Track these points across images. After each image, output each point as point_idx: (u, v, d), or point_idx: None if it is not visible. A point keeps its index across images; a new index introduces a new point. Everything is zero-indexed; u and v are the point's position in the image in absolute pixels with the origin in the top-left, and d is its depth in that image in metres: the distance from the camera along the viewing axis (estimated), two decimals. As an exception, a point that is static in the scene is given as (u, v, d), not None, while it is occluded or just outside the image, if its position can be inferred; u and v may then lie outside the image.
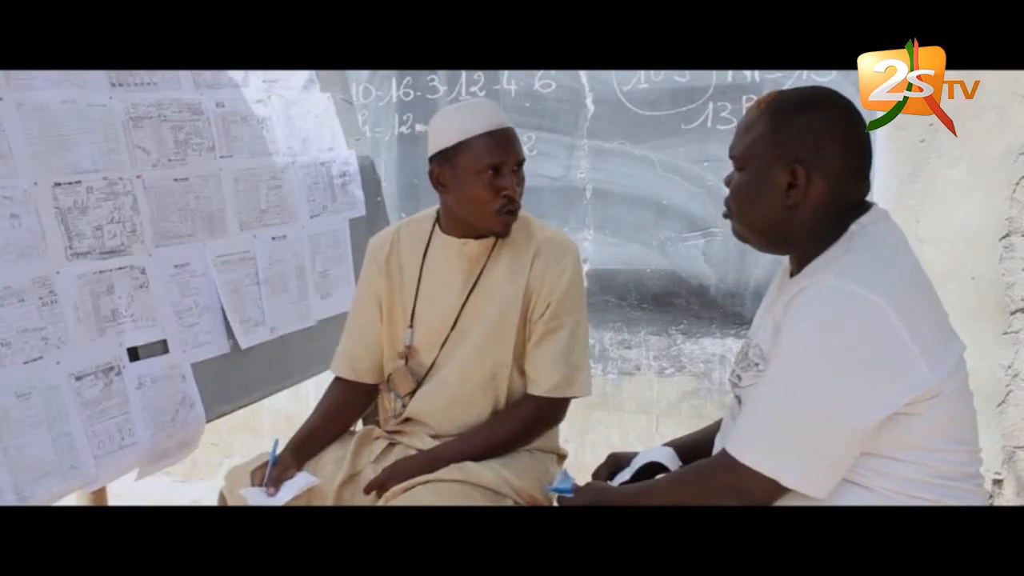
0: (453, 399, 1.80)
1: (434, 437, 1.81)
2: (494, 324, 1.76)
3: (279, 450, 1.75)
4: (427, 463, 1.71)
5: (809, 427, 1.19)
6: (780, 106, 1.28)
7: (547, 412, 1.79)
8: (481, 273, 1.78)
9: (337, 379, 1.91)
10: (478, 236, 1.77)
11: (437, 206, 1.85)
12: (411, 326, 1.82)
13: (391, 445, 1.85)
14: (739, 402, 1.37)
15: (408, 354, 1.83)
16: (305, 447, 1.79)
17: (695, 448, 1.54)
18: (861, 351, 1.16)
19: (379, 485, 1.71)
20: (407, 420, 1.87)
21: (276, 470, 1.70)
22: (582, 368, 1.78)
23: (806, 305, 1.20)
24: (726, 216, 1.36)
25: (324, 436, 1.84)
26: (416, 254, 1.83)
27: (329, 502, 1.73)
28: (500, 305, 1.76)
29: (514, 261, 1.77)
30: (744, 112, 1.34)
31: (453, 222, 1.78)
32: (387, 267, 1.85)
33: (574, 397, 1.80)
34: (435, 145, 1.73)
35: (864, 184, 1.30)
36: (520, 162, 1.72)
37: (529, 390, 1.78)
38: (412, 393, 1.83)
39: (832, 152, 1.25)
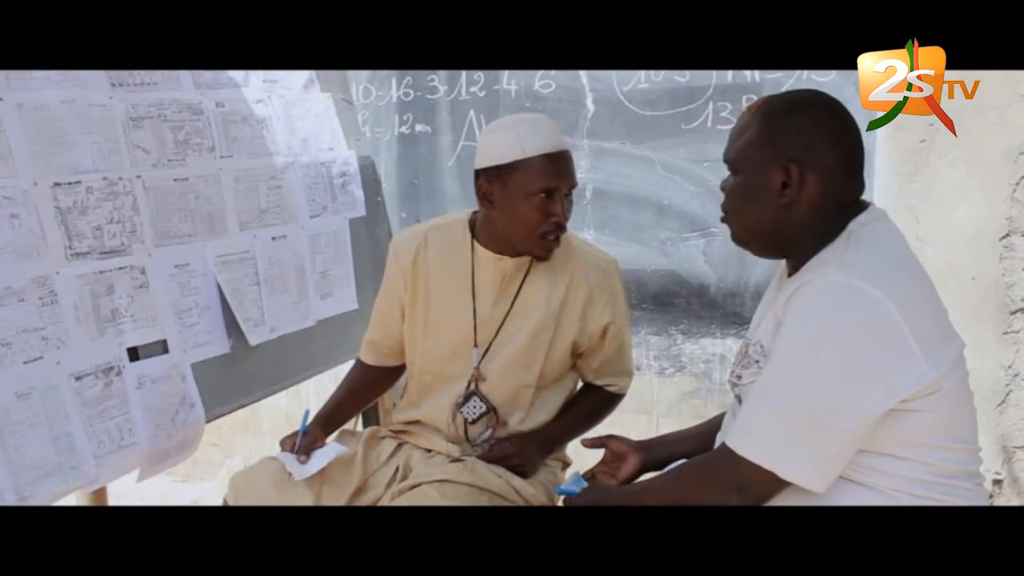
0: (504, 421, 1.81)
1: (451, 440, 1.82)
2: (525, 346, 1.76)
3: (308, 420, 1.83)
4: (541, 447, 1.81)
5: (808, 419, 1.19)
6: (771, 109, 1.30)
7: (616, 404, 1.94)
8: (518, 293, 1.76)
9: (359, 362, 2.00)
10: (516, 254, 1.74)
11: (466, 212, 1.83)
12: (476, 346, 1.79)
13: (400, 445, 1.85)
14: (739, 401, 1.37)
15: (478, 377, 1.80)
16: (332, 419, 1.89)
17: (694, 443, 1.55)
18: (861, 344, 1.16)
19: (500, 460, 1.75)
20: (417, 421, 1.87)
21: (306, 439, 1.77)
22: (633, 367, 1.95)
23: (807, 299, 1.20)
24: (723, 220, 1.37)
25: (350, 410, 1.96)
26: (449, 266, 1.79)
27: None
28: (534, 328, 1.75)
29: (551, 282, 1.76)
30: (738, 116, 1.36)
31: (492, 237, 1.75)
32: (413, 271, 1.81)
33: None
34: (487, 159, 1.67)
35: (857, 182, 1.31)
36: (572, 186, 1.68)
37: (605, 388, 1.90)
38: (480, 419, 1.81)
39: (824, 150, 1.26)
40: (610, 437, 1.63)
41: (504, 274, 1.75)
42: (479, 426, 1.80)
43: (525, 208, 1.64)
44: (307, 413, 1.84)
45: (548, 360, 1.77)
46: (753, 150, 1.30)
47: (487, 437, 1.80)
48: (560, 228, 1.67)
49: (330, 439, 1.86)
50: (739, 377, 1.36)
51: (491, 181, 1.66)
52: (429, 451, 1.81)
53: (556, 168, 1.64)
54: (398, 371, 1.99)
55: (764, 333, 1.31)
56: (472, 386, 1.79)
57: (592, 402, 1.89)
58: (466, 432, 1.81)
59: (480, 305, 1.77)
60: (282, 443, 1.79)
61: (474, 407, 1.79)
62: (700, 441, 1.53)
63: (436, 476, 1.68)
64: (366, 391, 2.01)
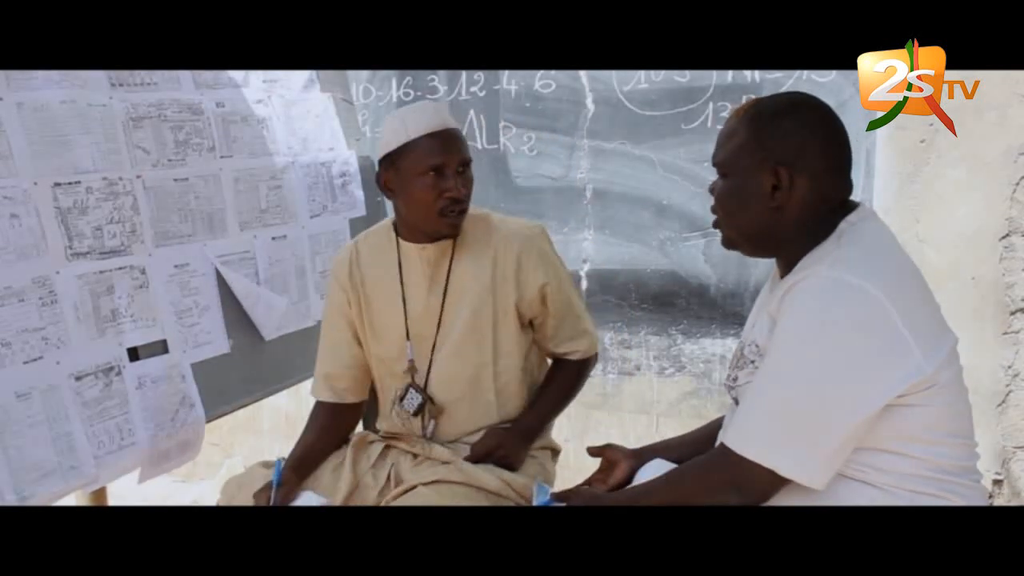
0: (444, 402, 1.80)
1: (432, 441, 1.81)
2: (468, 327, 1.76)
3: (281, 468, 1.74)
4: (522, 437, 1.79)
5: (807, 416, 1.19)
6: (760, 112, 1.31)
7: (587, 370, 1.91)
8: (448, 278, 1.77)
9: (320, 403, 1.90)
10: (434, 240, 1.75)
11: (391, 217, 1.85)
12: (408, 339, 1.80)
13: (387, 448, 1.84)
14: (736, 403, 1.37)
15: (412, 369, 1.81)
16: (304, 464, 1.78)
17: (685, 449, 1.55)
18: (857, 339, 1.17)
19: (484, 456, 1.74)
20: (392, 435, 1.85)
21: (281, 492, 1.69)
22: (592, 327, 1.90)
23: (801, 296, 1.21)
24: (716, 226, 1.38)
25: (320, 452, 1.83)
26: (381, 267, 1.81)
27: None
28: (471, 307, 1.76)
29: (476, 260, 1.76)
30: (725, 121, 1.36)
31: (408, 228, 1.77)
32: (350, 284, 1.83)
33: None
34: (381, 150, 1.72)
35: (846, 183, 1.32)
36: (465, 163, 1.70)
37: (568, 357, 1.87)
38: (421, 409, 1.81)
39: (813, 153, 1.27)
40: (607, 446, 1.63)
41: (430, 261, 1.77)
42: (425, 419, 1.81)
43: (419, 189, 1.67)
44: (279, 462, 1.75)
45: (497, 332, 1.77)
46: (742, 154, 1.30)
47: (434, 428, 1.81)
48: (457, 203, 1.68)
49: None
50: (735, 379, 1.36)
51: (387, 170, 1.71)
52: (416, 456, 1.80)
53: (441, 145, 1.67)
54: (360, 409, 1.94)
55: (759, 333, 1.31)
56: (411, 378, 1.80)
57: (562, 377, 1.88)
58: (423, 427, 1.81)
59: (415, 297, 1.78)
60: (256, 497, 1.70)
61: (412, 399, 1.80)
62: (691, 448, 1.53)
63: (430, 478, 1.68)
64: (332, 433, 1.87)
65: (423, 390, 1.79)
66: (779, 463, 1.21)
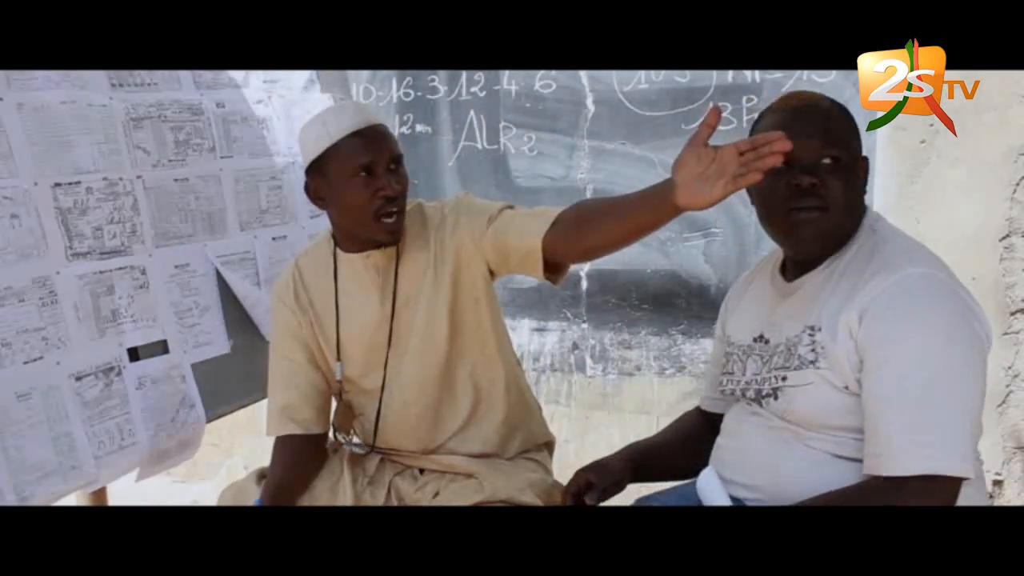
0: (423, 411, 1.70)
1: (421, 452, 1.73)
2: (427, 322, 1.65)
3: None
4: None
5: (971, 412, 1.22)
6: (832, 103, 1.34)
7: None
8: (396, 279, 1.66)
9: (281, 440, 1.72)
10: (377, 245, 1.64)
11: (329, 229, 1.74)
12: (339, 359, 1.70)
13: (383, 460, 1.77)
14: (759, 402, 1.35)
15: (342, 388, 1.72)
16: (281, 499, 1.68)
17: (669, 451, 1.56)
18: (971, 330, 1.22)
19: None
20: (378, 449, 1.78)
21: None
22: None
23: (911, 300, 1.22)
24: (815, 208, 1.29)
25: (296, 485, 1.72)
26: (322, 283, 1.71)
27: None
28: (426, 301, 1.65)
29: (420, 253, 1.65)
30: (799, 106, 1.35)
31: (347, 237, 1.66)
32: (297, 305, 1.71)
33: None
34: (305, 158, 1.61)
35: None
36: (396, 159, 1.59)
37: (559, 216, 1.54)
38: (369, 427, 1.74)
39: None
40: (585, 469, 1.56)
41: (378, 268, 1.66)
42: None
43: (351, 192, 1.56)
44: (259, 501, 1.67)
45: (458, 321, 1.66)
46: (850, 138, 1.31)
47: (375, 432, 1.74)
48: (392, 202, 1.56)
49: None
50: (784, 379, 1.31)
51: (315, 179, 1.60)
52: (423, 471, 1.75)
53: (367, 143, 1.56)
54: (324, 442, 1.79)
55: (827, 337, 1.25)
56: (339, 398, 1.74)
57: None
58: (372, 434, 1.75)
59: (369, 308, 1.68)
60: None
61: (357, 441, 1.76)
62: (668, 453, 1.57)
63: (447, 483, 1.66)
64: (307, 462, 1.74)
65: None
66: (952, 466, 1.18)
